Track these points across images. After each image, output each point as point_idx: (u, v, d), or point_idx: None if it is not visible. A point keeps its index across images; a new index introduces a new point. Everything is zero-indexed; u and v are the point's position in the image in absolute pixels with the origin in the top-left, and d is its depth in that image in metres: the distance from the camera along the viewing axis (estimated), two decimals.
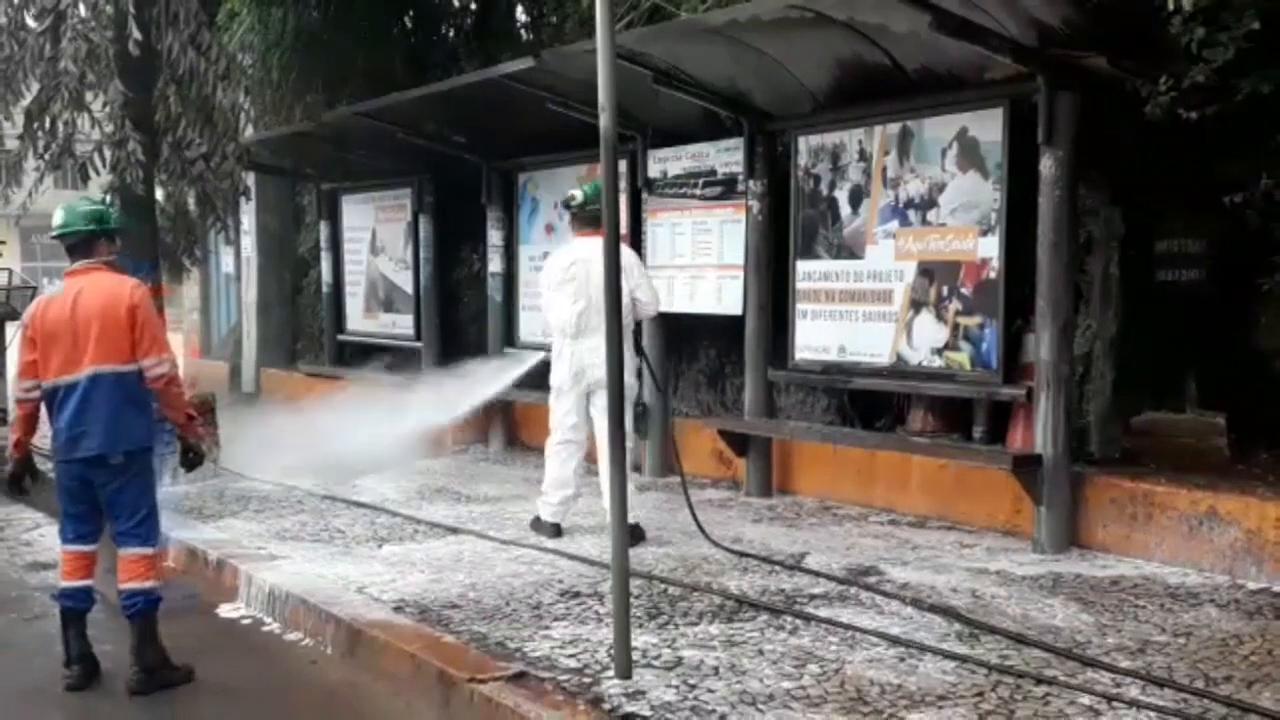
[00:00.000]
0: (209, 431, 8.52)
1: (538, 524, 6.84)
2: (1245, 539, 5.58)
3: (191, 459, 5.43)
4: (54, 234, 5.15)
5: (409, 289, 11.50)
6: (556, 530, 6.76)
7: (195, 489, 8.38)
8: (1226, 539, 5.65)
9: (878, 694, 4.18)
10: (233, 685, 5.01)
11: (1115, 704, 4.05)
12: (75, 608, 5.06)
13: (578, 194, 6.86)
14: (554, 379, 6.88)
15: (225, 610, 5.98)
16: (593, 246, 6.47)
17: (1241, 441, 6.33)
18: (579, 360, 6.70)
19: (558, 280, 6.80)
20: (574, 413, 6.78)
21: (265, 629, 5.68)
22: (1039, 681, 4.27)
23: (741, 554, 6.17)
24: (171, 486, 8.35)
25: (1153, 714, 3.97)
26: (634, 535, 6.44)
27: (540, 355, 8.85)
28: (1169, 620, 5.00)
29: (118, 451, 4.99)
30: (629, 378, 6.57)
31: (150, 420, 5.16)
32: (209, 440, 8.49)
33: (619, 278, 4.64)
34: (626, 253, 6.71)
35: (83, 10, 8.77)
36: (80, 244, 5.11)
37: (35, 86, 8.99)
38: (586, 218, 6.71)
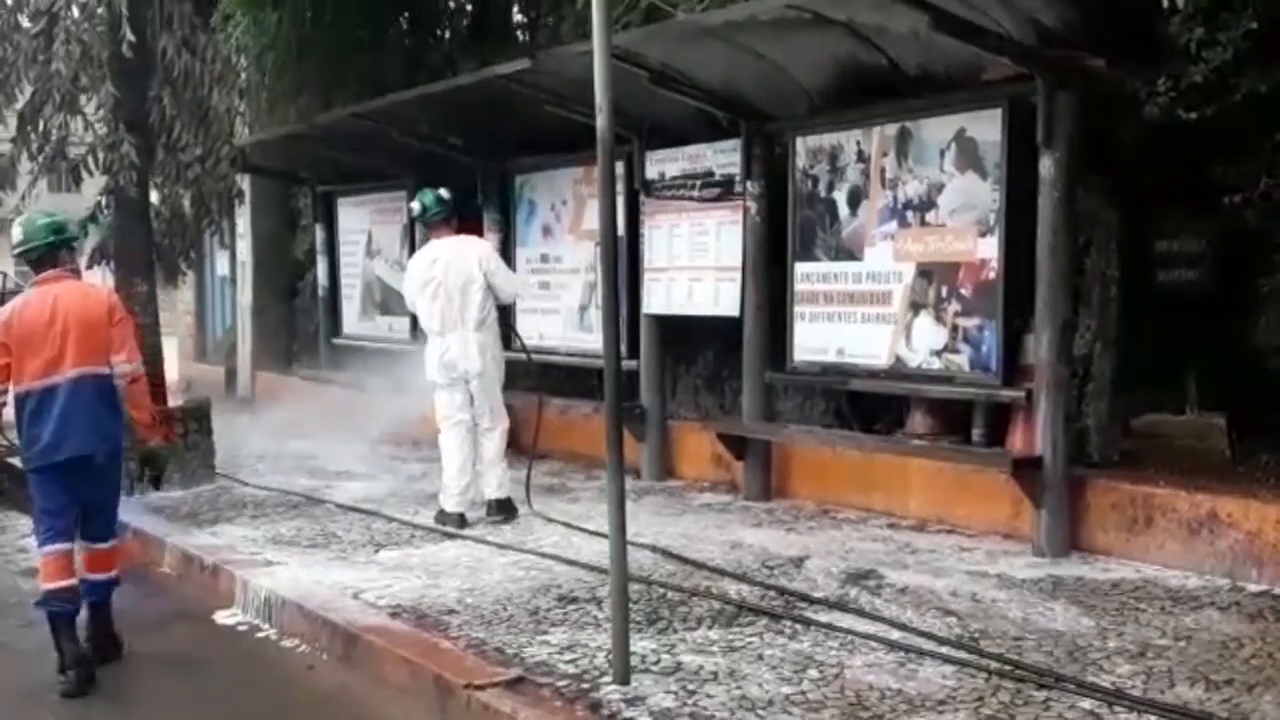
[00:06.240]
0: (172, 434, 8.47)
1: (442, 517, 7.13)
2: (1246, 541, 5.55)
3: (150, 472, 5.57)
4: (17, 251, 5.36)
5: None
6: (462, 520, 7.06)
7: (190, 494, 8.35)
8: (1227, 542, 5.62)
9: (877, 699, 4.16)
10: (229, 691, 4.97)
11: (1116, 708, 4.02)
12: (64, 611, 5.07)
13: (416, 206, 7.57)
14: (429, 374, 7.32)
15: (221, 616, 5.94)
16: (448, 246, 7.30)
17: (1242, 443, 6.30)
18: (447, 353, 7.15)
19: (420, 281, 7.28)
20: (455, 398, 7.21)
21: (261, 635, 5.65)
22: (1040, 686, 4.24)
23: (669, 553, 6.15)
24: (168, 493, 8.33)
25: (1154, 716, 3.95)
26: (507, 510, 7.14)
27: None
28: (1170, 623, 4.97)
29: (101, 452, 5.18)
30: (494, 368, 7.27)
31: (122, 422, 5.37)
32: (174, 441, 8.48)
33: (615, 278, 4.62)
34: (481, 245, 7.57)
35: (76, 12, 8.74)
36: (44, 257, 5.30)
37: (28, 89, 8.96)
38: (434, 223, 7.43)
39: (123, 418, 5.37)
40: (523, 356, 8.15)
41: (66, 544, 5.15)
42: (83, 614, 5.22)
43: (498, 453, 7.26)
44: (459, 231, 7.50)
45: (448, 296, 7.14)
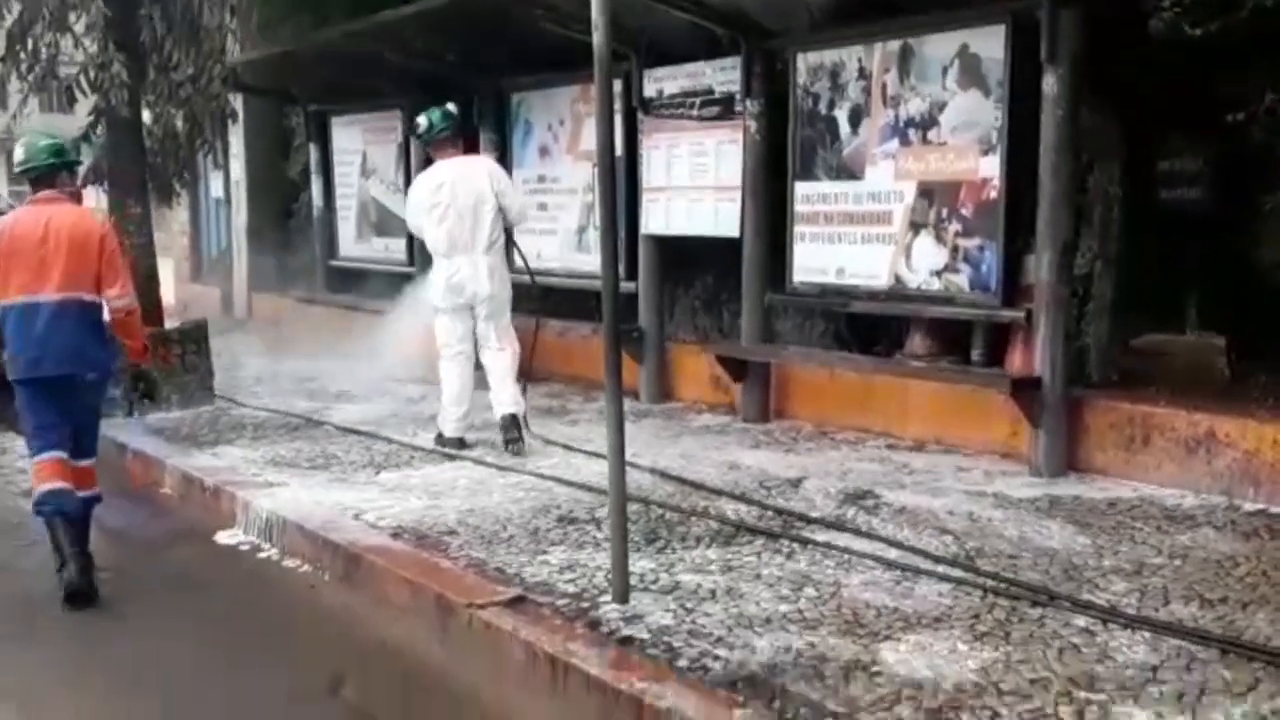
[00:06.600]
0: (168, 356, 8.52)
1: (441, 440, 7.13)
2: (1243, 460, 5.58)
3: (143, 389, 5.68)
4: (17, 169, 5.49)
5: (401, 213, 11.34)
6: (461, 443, 7.07)
7: (189, 416, 8.38)
8: (1224, 461, 5.64)
9: (874, 616, 4.19)
10: (231, 611, 5.02)
11: (1111, 625, 4.06)
12: (60, 507, 5.21)
13: (422, 121, 7.17)
14: (433, 298, 7.11)
15: (223, 537, 5.97)
16: (456, 166, 7.03)
17: (1241, 363, 6.30)
18: (455, 276, 6.94)
19: (427, 203, 7.00)
20: (458, 327, 7.05)
21: (262, 555, 5.69)
22: (1035, 604, 4.27)
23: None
24: (167, 413, 8.36)
25: (1148, 633, 3.98)
26: (520, 426, 6.96)
27: None
28: (1165, 542, 5.01)
29: (85, 374, 5.31)
30: (503, 291, 7.06)
31: (108, 348, 5.49)
32: (171, 364, 8.54)
33: (613, 199, 4.56)
34: (490, 164, 7.33)
35: None
36: (43, 177, 5.43)
37: (16, 7, 8.83)
38: (441, 142, 7.11)
39: (109, 344, 5.49)
40: (525, 279, 8.01)
41: (60, 452, 5.30)
42: None
43: (507, 368, 7.02)
44: (465, 151, 7.28)
45: (458, 217, 6.88)
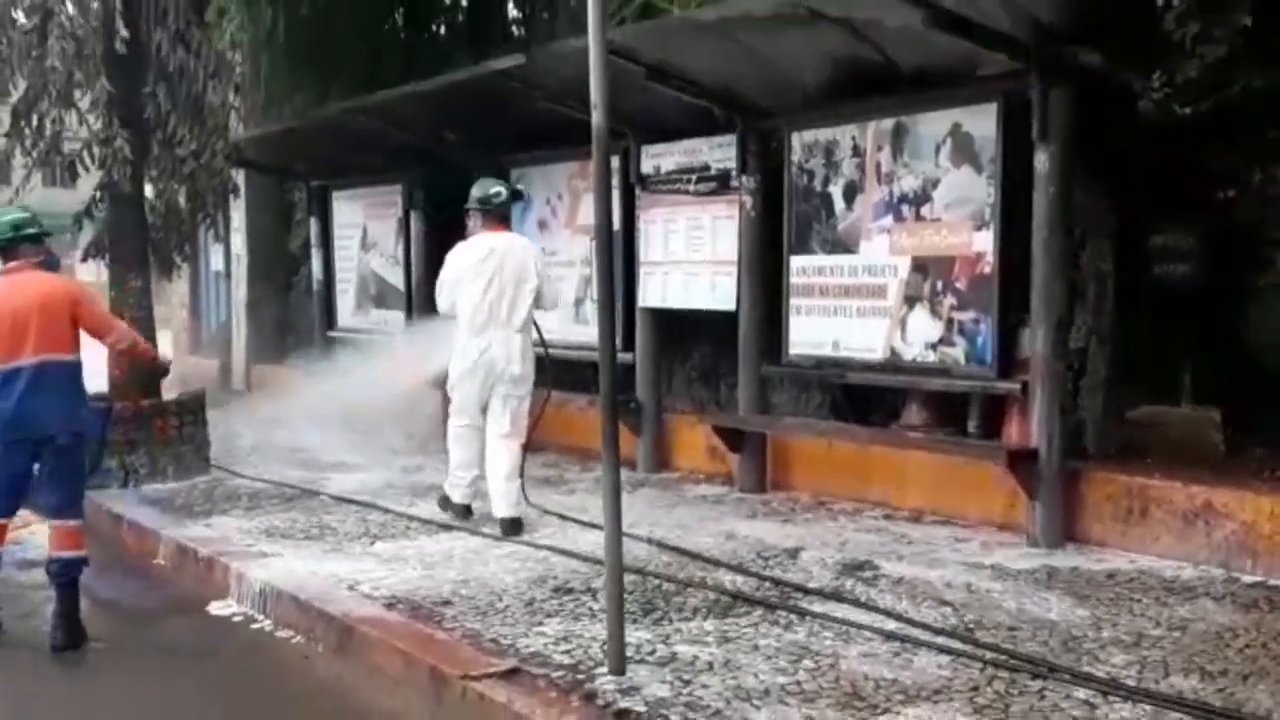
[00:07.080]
0: (167, 428, 8.62)
1: (445, 504, 7.11)
2: (1241, 532, 5.58)
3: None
4: None
5: (400, 286, 11.46)
6: (467, 511, 7.03)
7: (185, 486, 8.36)
8: (1222, 533, 5.64)
9: (873, 689, 4.16)
10: (224, 682, 4.98)
11: (1111, 698, 4.04)
12: None
13: (503, 191, 7.13)
14: (454, 369, 6.93)
15: (216, 608, 5.93)
16: (506, 240, 6.99)
17: (1237, 435, 6.32)
18: (487, 352, 6.78)
19: (471, 272, 6.82)
20: (474, 401, 6.89)
21: (256, 626, 5.64)
22: (1034, 676, 4.25)
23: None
24: (161, 484, 8.35)
25: (1149, 706, 3.96)
26: (518, 529, 6.71)
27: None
28: (1164, 614, 4.99)
29: (63, 433, 5.47)
30: (532, 371, 6.95)
31: (88, 409, 5.78)
32: (170, 436, 8.67)
33: (610, 271, 4.61)
34: (533, 247, 7.31)
35: (70, 8, 8.74)
36: (6, 249, 5.68)
37: (22, 84, 8.96)
38: (496, 215, 7.03)
39: (88, 406, 5.75)
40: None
41: (3, 519, 5.51)
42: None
43: (512, 468, 6.78)
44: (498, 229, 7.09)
45: (500, 290, 6.76)
